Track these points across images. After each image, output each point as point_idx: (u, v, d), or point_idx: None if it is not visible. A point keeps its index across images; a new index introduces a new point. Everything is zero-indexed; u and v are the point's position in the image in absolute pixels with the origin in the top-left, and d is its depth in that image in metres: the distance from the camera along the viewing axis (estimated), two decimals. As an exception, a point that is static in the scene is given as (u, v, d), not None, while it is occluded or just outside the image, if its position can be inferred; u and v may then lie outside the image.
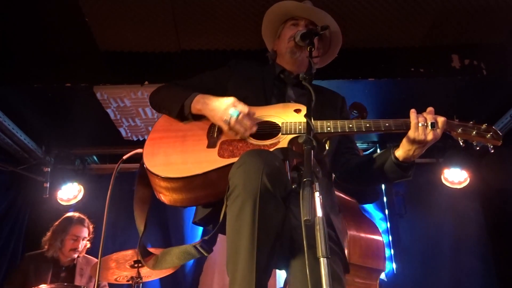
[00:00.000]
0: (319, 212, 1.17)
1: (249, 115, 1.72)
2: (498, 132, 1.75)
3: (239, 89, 1.98)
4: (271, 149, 1.66)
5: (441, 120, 1.69)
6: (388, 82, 3.67)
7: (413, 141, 1.71)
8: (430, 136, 1.68)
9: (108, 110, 4.04)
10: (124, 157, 2.07)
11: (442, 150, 4.59)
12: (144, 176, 1.81)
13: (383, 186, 4.78)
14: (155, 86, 3.64)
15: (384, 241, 4.49)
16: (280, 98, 2.00)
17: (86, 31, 3.40)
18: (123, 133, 4.44)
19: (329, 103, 2.07)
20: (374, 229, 2.86)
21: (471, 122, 1.75)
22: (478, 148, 1.77)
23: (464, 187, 4.56)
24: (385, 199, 4.75)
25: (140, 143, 4.53)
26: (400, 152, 1.77)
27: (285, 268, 1.67)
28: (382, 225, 4.70)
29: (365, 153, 4.69)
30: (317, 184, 1.23)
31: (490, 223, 4.64)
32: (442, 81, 3.59)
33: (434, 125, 1.67)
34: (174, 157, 1.73)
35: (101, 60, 3.62)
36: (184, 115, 1.86)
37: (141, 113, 4.12)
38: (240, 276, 1.37)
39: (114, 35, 3.45)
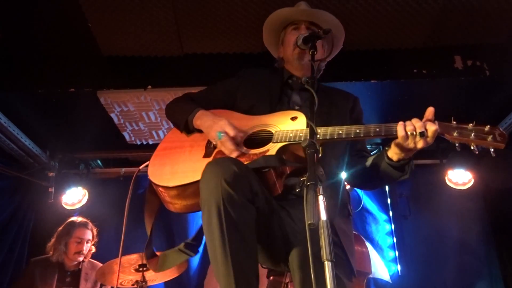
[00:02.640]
0: (323, 216, 1.18)
1: (235, 137, 1.77)
2: (503, 132, 1.58)
3: (246, 98, 2.06)
4: (259, 157, 1.70)
5: (431, 130, 1.58)
6: (391, 84, 3.67)
7: (402, 148, 1.66)
8: (420, 144, 1.61)
9: (112, 115, 4.06)
10: (141, 167, 2.22)
11: (446, 151, 4.57)
12: (152, 186, 1.90)
13: (387, 188, 4.77)
14: (158, 90, 3.74)
15: (384, 242, 4.59)
16: (285, 104, 2.03)
17: (89, 36, 3.41)
18: (127, 137, 4.46)
19: (336, 105, 2.07)
20: (359, 242, 3.11)
21: (471, 124, 1.61)
22: (477, 153, 1.61)
23: (468, 188, 4.54)
24: (389, 200, 4.75)
25: (144, 147, 4.56)
26: (392, 153, 1.74)
27: (288, 270, 1.71)
28: (386, 227, 4.70)
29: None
30: (321, 188, 1.23)
31: (495, 224, 4.62)
32: (444, 82, 3.58)
33: (423, 134, 1.58)
34: (176, 167, 1.83)
35: (104, 65, 3.64)
36: (189, 129, 1.95)
37: (144, 117, 4.13)
38: (222, 281, 1.43)
39: (117, 40, 3.47)
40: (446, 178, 4.57)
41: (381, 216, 4.75)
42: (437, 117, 1.70)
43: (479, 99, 3.83)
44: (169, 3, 3.18)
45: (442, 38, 3.47)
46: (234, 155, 1.73)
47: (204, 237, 1.74)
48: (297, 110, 1.94)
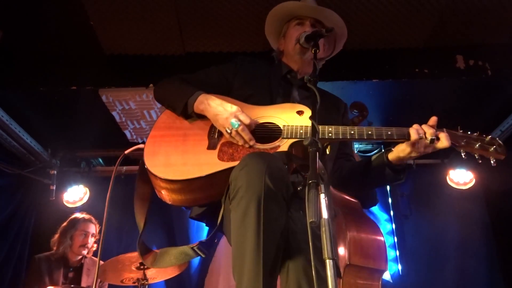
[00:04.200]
0: (325, 214, 1.18)
1: (249, 126, 1.72)
2: (502, 144, 1.74)
3: (245, 86, 2.00)
4: (273, 153, 1.66)
5: (443, 144, 1.69)
6: (393, 83, 3.66)
7: (411, 152, 1.72)
8: (429, 150, 1.71)
9: (113, 113, 4.07)
10: (126, 152, 2.08)
11: (447, 151, 4.55)
12: (144, 173, 1.81)
13: (388, 187, 4.77)
14: (160, 88, 3.71)
15: (385, 241, 4.51)
16: (285, 98, 2.00)
17: (91, 34, 3.41)
18: (128, 136, 4.47)
19: (333, 107, 2.09)
20: (375, 229, 2.83)
21: (475, 134, 1.73)
22: (480, 162, 1.76)
23: (469, 188, 4.54)
24: (390, 200, 4.75)
25: (145, 146, 4.56)
26: (394, 156, 1.78)
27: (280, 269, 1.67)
28: (387, 226, 4.70)
29: (369, 154, 4.68)
30: (322, 186, 1.23)
31: (496, 224, 4.62)
32: (446, 82, 3.58)
33: (433, 141, 1.67)
34: (174, 158, 1.73)
35: (106, 63, 3.64)
36: (187, 113, 1.86)
37: (146, 116, 4.14)
38: (247, 279, 1.37)
39: (119, 38, 3.47)
40: (447, 178, 4.57)
41: (382, 216, 4.75)
42: (439, 116, 1.75)
43: (480, 99, 3.83)
44: (171, 2, 3.18)
45: (444, 37, 3.47)
46: (251, 143, 1.69)
47: (216, 238, 1.73)
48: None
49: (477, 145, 1.72)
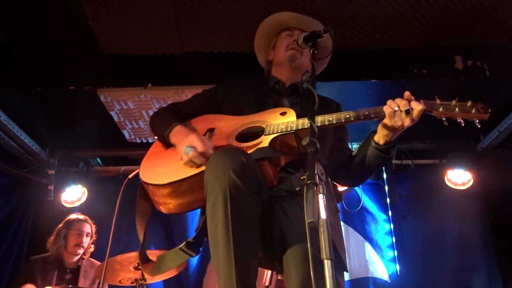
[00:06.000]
0: (323, 215, 1.18)
1: (203, 154, 1.69)
2: (485, 106, 1.64)
3: (234, 104, 2.07)
4: (253, 149, 1.70)
5: (417, 109, 1.65)
6: (391, 84, 3.67)
7: (390, 128, 1.70)
8: (407, 122, 1.66)
9: (112, 113, 4.06)
10: (130, 176, 2.20)
11: (446, 151, 4.58)
12: (143, 191, 1.89)
13: (386, 187, 4.77)
14: (159, 88, 3.74)
15: (380, 241, 4.50)
16: (273, 107, 2.04)
17: (89, 34, 3.42)
18: (127, 136, 4.46)
19: (325, 107, 2.10)
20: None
21: (454, 101, 1.68)
22: (463, 125, 1.65)
23: (467, 188, 4.54)
24: (388, 200, 4.75)
25: (144, 145, 4.57)
26: (379, 137, 1.78)
27: (281, 269, 1.69)
28: (386, 227, 4.70)
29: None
30: (321, 187, 1.23)
31: (494, 224, 4.63)
32: (445, 82, 3.58)
33: (409, 111, 1.65)
34: (166, 167, 1.80)
35: (104, 63, 3.64)
36: (167, 144, 1.92)
37: (144, 116, 4.14)
38: (222, 271, 1.41)
39: (117, 38, 3.47)
40: (445, 178, 4.57)
41: (380, 216, 4.76)
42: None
43: (479, 99, 3.82)
44: (169, 1, 3.18)
45: (443, 38, 3.47)
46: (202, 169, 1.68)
47: (205, 236, 1.73)
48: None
49: (457, 109, 1.65)
